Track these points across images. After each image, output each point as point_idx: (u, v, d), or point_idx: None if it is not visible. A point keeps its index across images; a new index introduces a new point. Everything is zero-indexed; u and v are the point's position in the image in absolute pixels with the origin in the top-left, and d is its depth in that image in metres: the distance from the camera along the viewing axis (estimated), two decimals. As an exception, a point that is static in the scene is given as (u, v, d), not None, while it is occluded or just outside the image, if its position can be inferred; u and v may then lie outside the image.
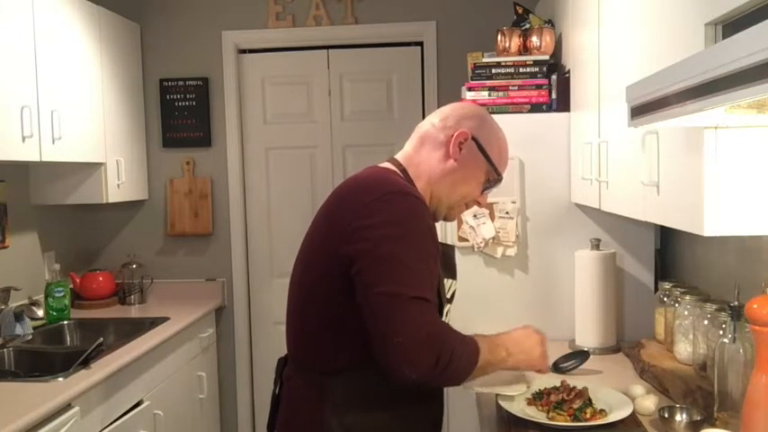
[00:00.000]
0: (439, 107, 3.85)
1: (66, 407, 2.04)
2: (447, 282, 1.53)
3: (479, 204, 1.58)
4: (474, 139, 1.49)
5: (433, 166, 1.50)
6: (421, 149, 1.53)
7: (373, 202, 1.33)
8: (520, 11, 2.69)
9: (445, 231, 2.48)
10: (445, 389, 2.45)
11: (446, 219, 1.57)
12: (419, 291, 1.28)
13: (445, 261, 1.53)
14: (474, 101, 2.48)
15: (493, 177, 1.53)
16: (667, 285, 2.14)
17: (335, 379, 1.38)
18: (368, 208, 1.32)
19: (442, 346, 1.28)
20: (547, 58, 2.50)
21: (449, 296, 1.53)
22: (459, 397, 2.46)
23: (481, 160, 1.50)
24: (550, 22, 2.61)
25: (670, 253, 2.46)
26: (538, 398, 1.70)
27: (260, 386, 3.73)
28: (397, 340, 1.26)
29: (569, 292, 2.37)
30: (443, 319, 1.47)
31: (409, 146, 1.57)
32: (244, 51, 3.69)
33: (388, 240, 1.29)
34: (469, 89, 2.50)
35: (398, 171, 1.50)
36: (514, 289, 2.46)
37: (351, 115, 3.65)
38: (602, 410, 1.63)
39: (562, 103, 2.42)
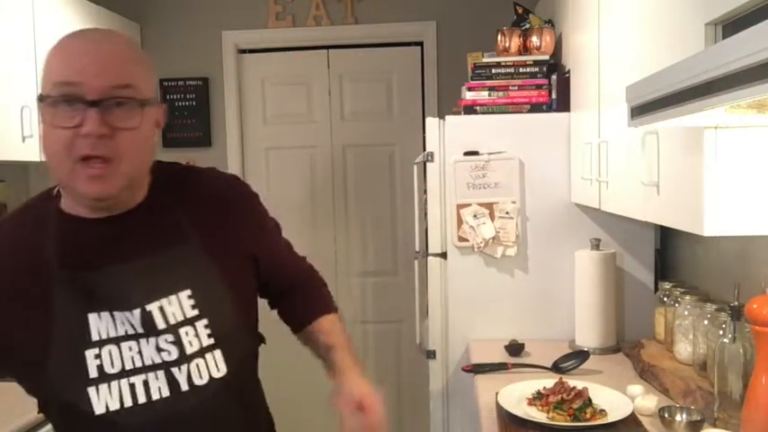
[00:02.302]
0: (439, 107, 3.87)
1: (66, 407, 2.04)
2: (98, 315, 1.09)
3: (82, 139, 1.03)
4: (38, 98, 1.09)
5: None
6: None
7: None
8: (520, 11, 2.69)
9: (445, 231, 2.48)
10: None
11: (81, 190, 1.07)
12: None
13: (93, 291, 1.10)
14: (474, 101, 2.48)
15: (45, 97, 1.05)
16: (667, 285, 2.14)
17: None
18: None
19: None
20: (547, 58, 2.50)
21: (102, 336, 1.09)
22: (460, 397, 2.47)
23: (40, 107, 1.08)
24: (550, 22, 2.61)
25: (670, 253, 2.46)
26: (538, 398, 1.71)
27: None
28: None
29: (569, 292, 2.37)
30: (100, 364, 1.08)
31: None
32: (244, 51, 3.69)
33: None
34: (469, 89, 2.50)
35: None
36: (514, 289, 2.46)
37: (351, 115, 3.65)
38: (602, 410, 1.63)
39: (562, 103, 2.42)
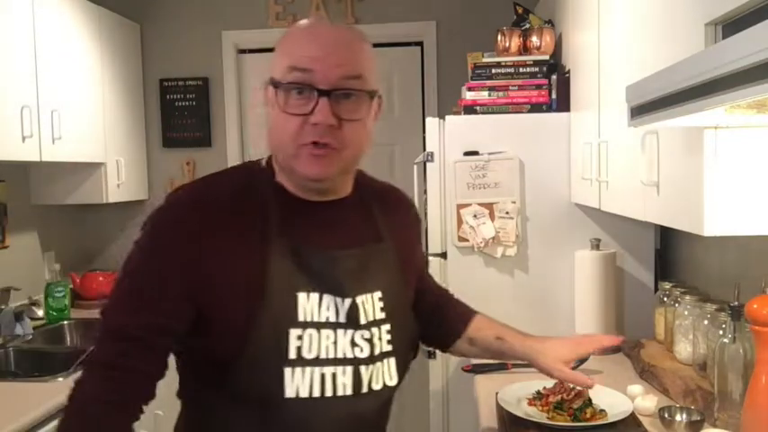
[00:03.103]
0: (439, 107, 3.86)
1: (67, 407, 2.04)
2: (307, 296, 1.08)
3: (312, 125, 1.04)
4: (270, 81, 1.11)
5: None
6: None
7: None
8: (520, 11, 2.69)
9: (445, 231, 2.48)
10: (445, 385, 2.43)
11: (302, 171, 1.07)
12: (112, 317, 1.08)
13: (308, 269, 1.09)
14: (474, 101, 2.48)
15: (278, 82, 1.07)
16: (667, 285, 2.14)
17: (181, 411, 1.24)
18: None
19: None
20: (547, 58, 2.50)
21: (307, 318, 1.07)
22: (460, 396, 2.47)
23: (270, 87, 1.10)
24: (550, 22, 2.61)
25: (670, 253, 2.46)
26: (538, 398, 1.70)
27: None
28: None
29: (569, 292, 2.37)
30: (299, 346, 1.05)
31: None
32: (244, 51, 3.69)
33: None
34: (469, 89, 2.50)
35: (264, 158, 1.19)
36: (514, 289, 2.46)
37: (351, 115, 3.65)
38: (602, 410, 1.63)
39: (562, 103, 2.42)
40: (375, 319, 1.13)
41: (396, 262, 1.20)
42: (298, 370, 1.04)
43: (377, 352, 1.11)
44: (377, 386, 1.11)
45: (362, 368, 1.09)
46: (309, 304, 1.07)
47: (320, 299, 1.08)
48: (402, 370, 1.16)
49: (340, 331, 1.09)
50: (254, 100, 1.09)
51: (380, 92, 1.13)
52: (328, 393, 1.06)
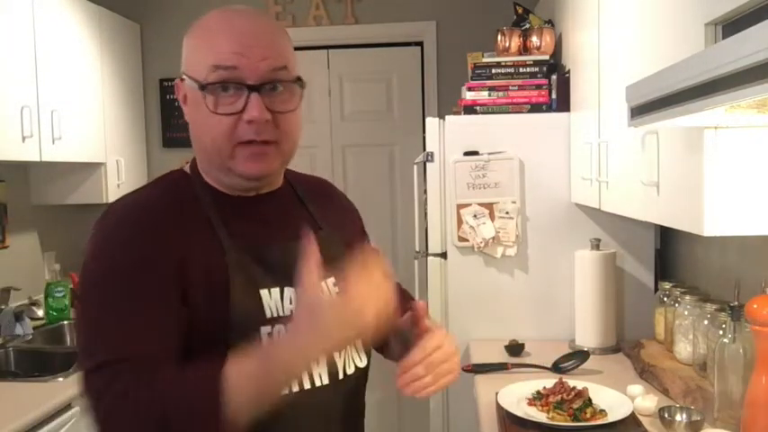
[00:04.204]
0: (439, 107, 3.86)
1: (66, 407, 2.04)
2: (269, 292, 1.06)
3: (250, 122, 1.01)
4: (183, 75, 1.07)
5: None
6: None
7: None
8: (520, 11, 2.69)
9: (445, 231, 2.48)
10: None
11: (241, 170, 1.05)
12: (99, 355, 0.94)
13: (264, 265, 1.07)
14: (474, 101, 2.48)
15: (203, 84, 1.01)
16: (667, 285, 2.14)
17: None
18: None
19: (143, 417, 0.91)
20: (547, 58, 2.50)
21: (273, 314, 1.05)
22: (459, 396, 2.47)
23: (190, 87, 1.04)
24: (550, 22, 2.61)
25: (670, 253, 2.46)
26: (538, 398, 1.71)
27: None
28: None
29: (569, 292, 2.37)
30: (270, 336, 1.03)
31: None
32: (244, 51, 3.69)
33: (81, 293, 1.01)
34: (469, 89, 2.50)
35: (189, 163, 1.15)
36: (514, 289, 2.46)
37: (351, 115, 3.65)
38: (602, 410, 1.63)
39: (562, 103, 2.42)
40: None
41: (340, 246, 1.19)
42: None
43: None
44: (350, 370, 1.11)
45: (335, 355, 1.08)
46: (273, 300, 1.05)
47: (281, 293, 1.06)
48: (367, 350, 1.16)
49: None
50: (179, 96, 1.06)
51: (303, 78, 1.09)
52: (306, 386, 1.04)
